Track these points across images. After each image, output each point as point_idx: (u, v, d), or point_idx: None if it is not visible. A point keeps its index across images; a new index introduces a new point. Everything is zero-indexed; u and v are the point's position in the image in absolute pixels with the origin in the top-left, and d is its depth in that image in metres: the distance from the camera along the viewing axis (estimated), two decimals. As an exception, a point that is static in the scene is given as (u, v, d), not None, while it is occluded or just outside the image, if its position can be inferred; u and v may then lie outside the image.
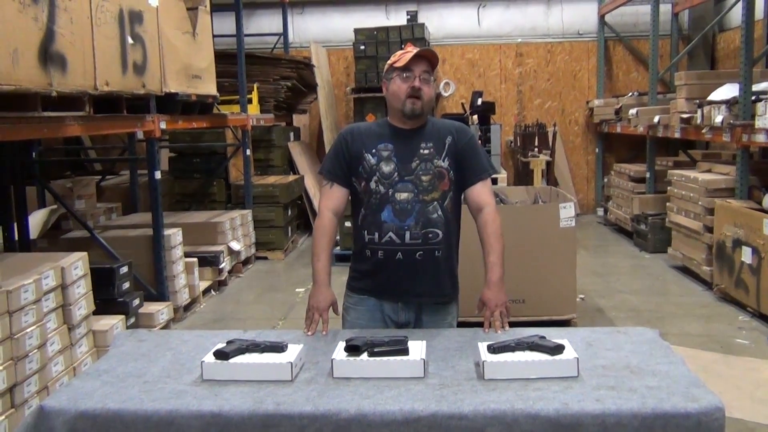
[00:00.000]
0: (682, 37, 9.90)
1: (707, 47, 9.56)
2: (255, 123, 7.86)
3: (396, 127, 2.59)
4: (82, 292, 4.00)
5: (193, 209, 7.53)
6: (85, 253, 4.12)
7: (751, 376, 4.07)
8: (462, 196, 2.64)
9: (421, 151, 2.53)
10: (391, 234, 2.50)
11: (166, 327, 5.07)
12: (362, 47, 9.25)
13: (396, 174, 2.51)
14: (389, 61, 2.59)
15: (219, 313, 5.84)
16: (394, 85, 2.53)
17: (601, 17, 10.07)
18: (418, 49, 2.52)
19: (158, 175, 5.27)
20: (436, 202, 2.52)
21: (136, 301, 4.81)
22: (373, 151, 2.54)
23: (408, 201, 2.50)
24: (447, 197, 2.55)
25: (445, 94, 9.39)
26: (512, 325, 2.44)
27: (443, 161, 2.54)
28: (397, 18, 10.14)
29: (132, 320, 4.68)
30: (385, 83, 2.61)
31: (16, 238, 5.09)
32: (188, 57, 5.65)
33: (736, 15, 8.17)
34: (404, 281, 2.54)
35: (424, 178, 2.51)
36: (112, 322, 4.33)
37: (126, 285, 4.76)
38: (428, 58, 2.53)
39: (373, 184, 2.52)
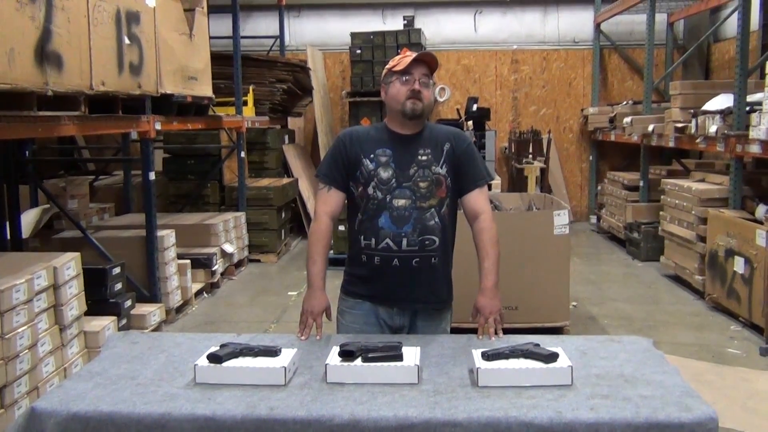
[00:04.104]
0: (677, 47, 9.94)
1: (702, 57, 9.62)
2: (250, 125, 7.85)
3: (394, 132, 2.58)
4: (74, 293, 3.98)
5: (187, 211, 7.50)
6: (77, 254, 4.10)
7: (742, 385, 4.08)
8: (458, 203, 2.64)
9: (420, 157, 2.53)
10: (388, 240, 2.50)
11: (157, 328, 5.06)
12: (358, 51, 9.25)
13: (394, 180, 2.51)
14: (388, 66, 2.58)
15: (211, 316, 5.82)
16: (394, 88, 2.53)
17: (597, 26, 10.11)
18: (416, 53, 2.52)
19: (152, 176, 5.26)
20: (433, 209, 2.52)
21: (128, 302, 4.79)
22: (372, 156, 2.53)
23: (405, 208, 2.49)
24: (444, 204, 2.55)
25: (441, 100, 9.38)
26: (504, 331, 2.44)
27: (441, 168, 2.54)
28: (394, 23, 10.14)
29: (124, 321, 4.66)
30: (383, 87, 2.60)
31: (8, 237, 5.07)
32: (184, 58, 5.64)
33: (731, 26, 8.23)
34: (400, 288, 2.53)
35: (422, 184, 2.51)
36: (104, 323, 4.31)
37: (118, 286, 4.74)
38: (427, 63, 2.53)
39: (370, 190, 2.52)
